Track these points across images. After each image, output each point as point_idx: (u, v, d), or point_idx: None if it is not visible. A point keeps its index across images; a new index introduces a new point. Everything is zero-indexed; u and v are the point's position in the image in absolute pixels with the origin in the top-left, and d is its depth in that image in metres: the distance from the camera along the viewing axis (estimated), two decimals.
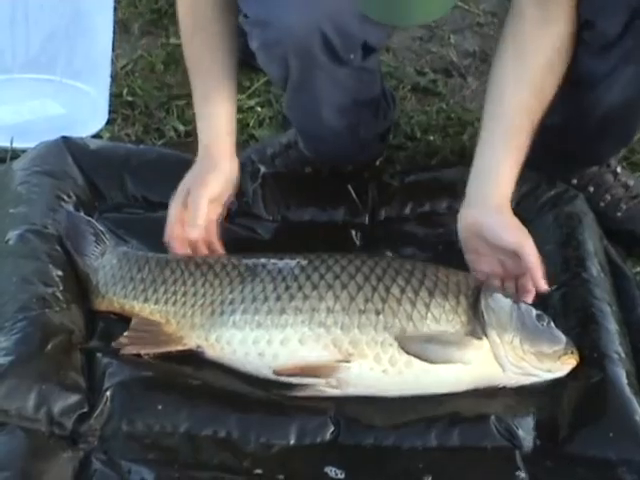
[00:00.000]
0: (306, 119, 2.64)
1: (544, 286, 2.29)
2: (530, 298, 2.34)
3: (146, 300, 2.39)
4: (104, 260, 2.46)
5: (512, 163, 2.36)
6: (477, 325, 2.23)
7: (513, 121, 2.37)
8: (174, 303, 2.36)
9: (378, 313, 2.22)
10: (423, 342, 2.20)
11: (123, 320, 2.41)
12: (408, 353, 2.20)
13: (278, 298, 2.27)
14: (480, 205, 2.35)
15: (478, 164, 2.41)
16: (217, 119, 2.55)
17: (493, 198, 2.34)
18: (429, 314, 2.22)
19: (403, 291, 2.24)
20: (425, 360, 2.19)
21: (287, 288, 2.28)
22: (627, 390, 2.25)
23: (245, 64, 2.73)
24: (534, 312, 2.28)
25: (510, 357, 2.22)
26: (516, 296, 2.33)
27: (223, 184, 2.52)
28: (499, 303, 2.25)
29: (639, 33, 2.39)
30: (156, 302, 2.38)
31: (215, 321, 2.29)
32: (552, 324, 2.28)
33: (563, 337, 2.28)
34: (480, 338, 2.22)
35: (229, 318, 2.28)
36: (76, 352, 2.29)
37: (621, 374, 2.28)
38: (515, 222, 2.33)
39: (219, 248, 2.51)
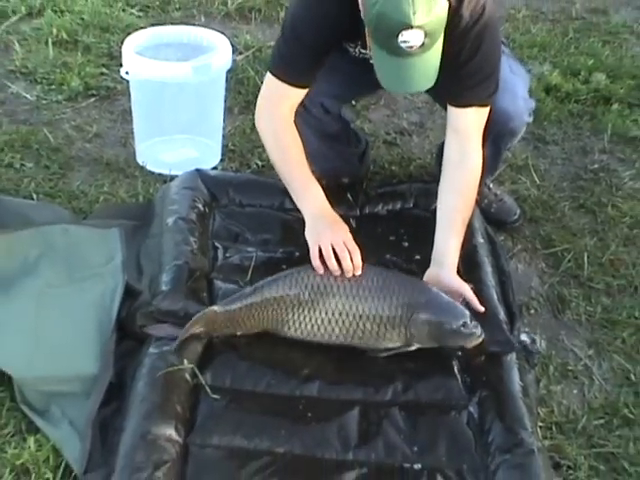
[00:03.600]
0: (311, 147, 2.42)
1: (481, 308, 2.13)
2: None
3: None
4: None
5: (457, 244, 2.23)
6: (410, 340, 2.09)
7: (449, 219, 2.25)
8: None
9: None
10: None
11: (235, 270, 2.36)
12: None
13: None
14: (439, 268, 2.20)
15: (438, 246, 2.24)
16: (320, 198, 2.28)
17: (448, 264, 2.20)
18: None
19: (375, 326, 2.09)
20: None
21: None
22: (495, 301, 2.24)
23: None
24: (445, 321, 2.07)
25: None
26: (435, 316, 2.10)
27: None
28: (419, 328, 2.07)
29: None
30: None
31: None
32: (461, 322, 2.07)
33: (465, 332, 2.07)
34: (411, 345, 2.09)
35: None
36: (203, 282, 2.27)
37: (492, 294, 2.27)
38: (459, 279, 2.20)
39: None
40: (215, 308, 2.12)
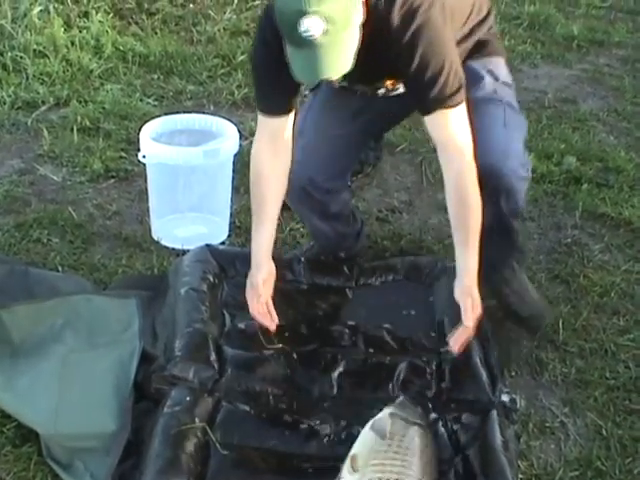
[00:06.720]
0: (314, 228, 2.54)
1: (468, 322, 2.13)
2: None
3: None
4: None
5: (472, 259, 2.15)
6: None
7: (462, 239, 2.16)
8: None
9: None
10: None
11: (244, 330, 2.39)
12: None
13: None
14: (465, 279, 2.15)
15: (457, 264, 2.17)
16: (264, 245, 2.36)
17: (461, 280, 2.16)
18: None
19: None
20: None
21: None
22: (479, 365, 2.24)
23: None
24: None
25: None
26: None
27: (267, 275, 2.33)
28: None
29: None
30: None
31: None
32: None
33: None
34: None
35: None
36: (212, 347, 2.28)
37: (476, 356, 2.26)
38: (465, 294, 2.15)
39: (272, 307, 2.34)
40: None
